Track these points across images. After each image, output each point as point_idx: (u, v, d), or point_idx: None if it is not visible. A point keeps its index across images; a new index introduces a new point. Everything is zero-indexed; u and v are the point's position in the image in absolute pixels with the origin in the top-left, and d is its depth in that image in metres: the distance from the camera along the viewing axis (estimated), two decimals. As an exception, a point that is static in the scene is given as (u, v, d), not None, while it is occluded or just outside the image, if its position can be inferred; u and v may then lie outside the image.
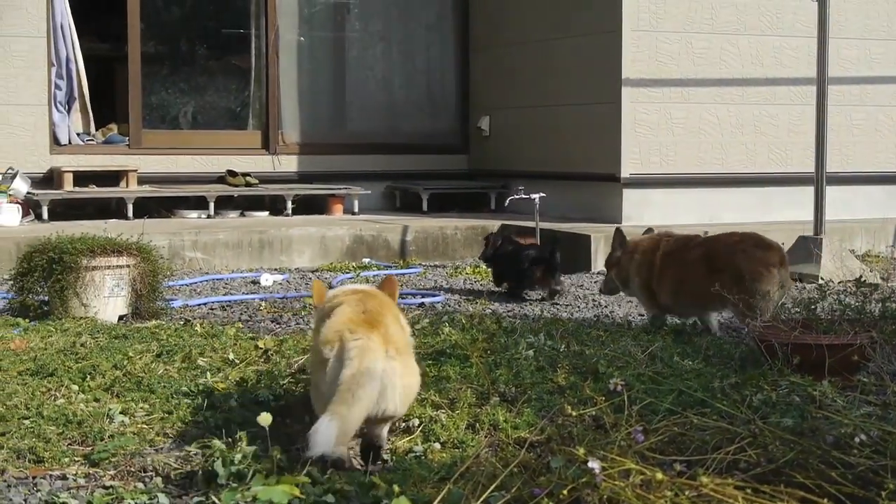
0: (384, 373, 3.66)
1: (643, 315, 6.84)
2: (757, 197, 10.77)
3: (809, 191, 8.99)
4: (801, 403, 4.21)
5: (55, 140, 10.89)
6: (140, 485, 3.65)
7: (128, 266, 6.49)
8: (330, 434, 3.48)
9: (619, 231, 6.44)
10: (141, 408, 4.45)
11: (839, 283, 8.30)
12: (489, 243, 8.13)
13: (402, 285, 8.30)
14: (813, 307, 5.36)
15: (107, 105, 12.27)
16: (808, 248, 8.69)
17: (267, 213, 11.06)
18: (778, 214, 10.69)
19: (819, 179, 8.74)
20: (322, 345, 3.76)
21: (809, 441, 3.21)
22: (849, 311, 5.37)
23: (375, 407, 3.65)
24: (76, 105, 11.11)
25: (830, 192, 9.08)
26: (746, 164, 10.76)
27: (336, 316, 3.82)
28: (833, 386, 4.58)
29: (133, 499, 3.50)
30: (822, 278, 8.41)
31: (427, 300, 7.43)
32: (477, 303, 7.39)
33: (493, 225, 10.14)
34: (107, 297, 6.42)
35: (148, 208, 10.62)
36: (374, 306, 3.89)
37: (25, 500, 3.50)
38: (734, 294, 5.57)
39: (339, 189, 11.25)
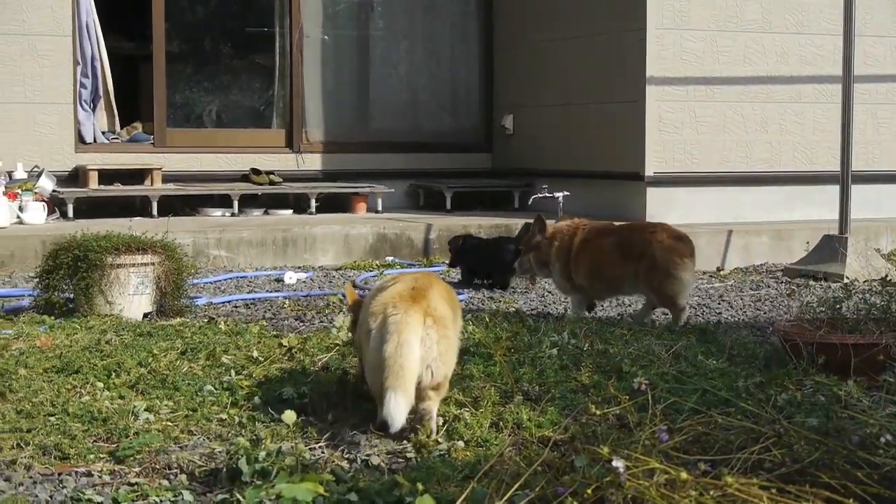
0: (422, 342, 4.01)
1: (667, 314, 6.83)
2: (781, 196, 10.72)
3: (834, 189, 8.96)
4: (826, 403, 4.19)
5: (80, 138, 10.93)
6: (164, 482, 3.66)
7: (152, 264, 6.51)
8: (400, 408, 3.88)
9: (539, 217, 6.77)
10: (165, 405, 4.46)
11: (864, 282, 8.28)
12: (453, 249, 8.40)
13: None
14: (838, 307, 5.35)
15: (131, 103, 12.31)
16: (833, 247, 8.66)
17: (291, 211, 11.07)
18: (802, 213, 10.65)
19: (844, 178, 8.70)
20: (368, 316, 4.11)
21: (835, 441, 3.20)
22: (874, 310, 5.35)
23: (420, 375, 4.01)
24: (101, 103, 11.15)
25: (856, 190, 9.04)
26: (771, 162, 10.72)
27: (386, 291, 4.20)
28: (858, 386, 4.56)
29: (157, 496, 3.51)
30: (847, 277, 8.37)
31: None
32: (500, 301, 7.39)
33: (517, 223, 10.12)
34: (131, 294, 6.44)
35: (172, 206, 10.64)
36: (423, 283, 4.24)
37: (51, 497, 3.52)
38: (649, 280, 6.22)
39: (363, 187, 11.26)
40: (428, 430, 4.07)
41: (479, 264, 8.28)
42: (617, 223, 6.95)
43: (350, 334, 4.88)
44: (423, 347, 4.02)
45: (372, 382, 4.10)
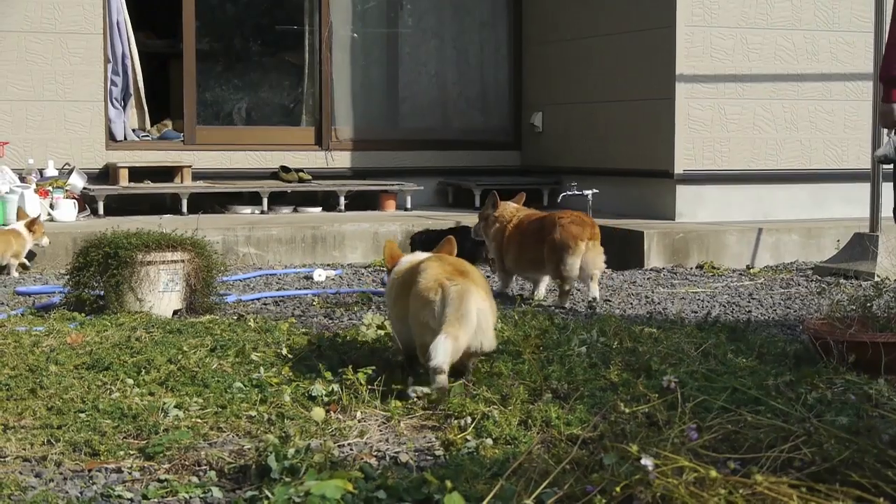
0: (479, 311, 4.55)
1: (696, 312, 6.82)
2: (811, 193, 10.68)
3: (865, 187, 8.91)
4: (856, 402, 4.18)
5: (111, 136, 10.98)
6: (194, 478, 3.67)
7: (182, 261, 6.54)
8: (447, 348, 4.42)
9: (493, 194, 7.54)
10: (195, 402, 4.48)
11: (895, 280, 8.24)
12: (415, 242, 8.64)
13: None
14: (869, 305, 5.32)
15: (162, 101, 12.38)
16: (864, 245, 8.62)
17: (320, 208, 11.10)
18: (833, 211, 10.59)
19: (875, 175, 8.66)
20: (425, 291, 4.57)
21: (865, 440, 3.19)
22: (905, 309, 5.32)
23: (474, 338, 4.55)
24: (132, 101, 11.20)
25: (886, 188, 8.98)
26: (801, 160, 10.67)
27: (430, 269, 4.67)
28: (889, 384, 4.55)
29: (187, 492, 3.53)
30: (878, 276, 8.33)
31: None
32: (529, 299, 7.38)
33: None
34: (161, 291, 6.47)
35: (202, 204, 10.68)
36: (456, 261, 4.80)
37: (81, 493, 3.54)
38: (550, 260, 6.94)
39: (392, 185, 11.27)
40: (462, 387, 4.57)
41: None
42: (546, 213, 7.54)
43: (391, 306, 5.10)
44: (476, 317, 4.55)
45: (422, 343, 4.56)
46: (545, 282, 7.39)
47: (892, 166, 6.19)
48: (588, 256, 7.00)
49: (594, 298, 7.04)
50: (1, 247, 8.26)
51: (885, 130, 6.08)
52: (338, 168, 11.73)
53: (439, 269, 4.65)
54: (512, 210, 7.43)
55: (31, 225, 8.42)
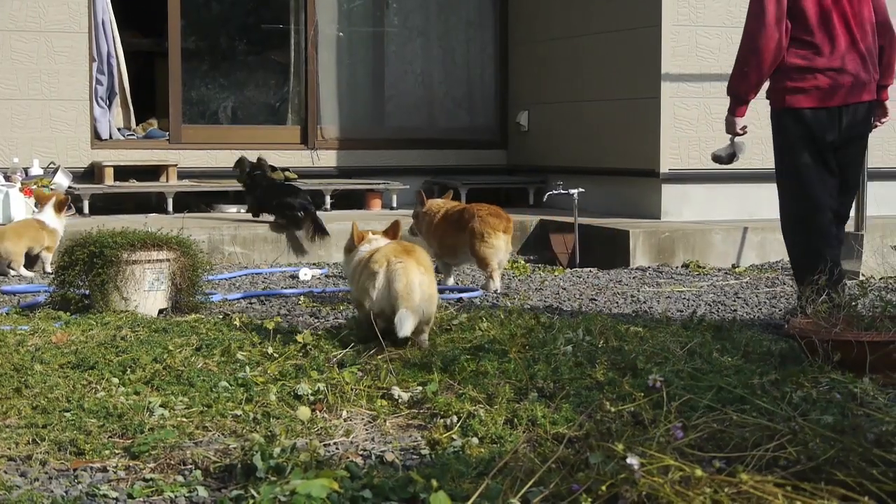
0: (421, 283, 5.19)
1: (682, 311, 6.83)
2: (797, 193, 10.69)
3: (850, 187, 8.93)
4: (841, 401, 4.19)
5: (96, 135, 10.96)
6: (179, 477, 3.67)
7: (168, 260, 6.53)
8: (412, 320, 5.11)
9: (420, 192, 8.33)
10: (180, 401, 4.47)
11: (880, 279, 8.27)
12: (242, 168, 9.32)
13: (438, 282, 8.32)
14: (854, 304, 5.33)
15: (147, 100, 12.35)
16: (849, 244, 8.63)
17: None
18: (818, 210, 10.60)
19: (861, 175, 8.66)
20: (373, 264, 5.27)
21: (850, 439, 3.19)
22: (890, 307, 5.34)
23: (420, 307, 5.18)
24: (117, 100, 11.17)
25: (872, 187, 9.02)
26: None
27: (383, 248, 5.42)
28: (874, 383, 4.56)
29: (172, 491, 3.52)
30: (863, 275, 8.35)
31: (465, 295, 7.43)
32: (515, 298, 7.39)
33: (532, 220, 10.14)
34: (147, 290, 6.45)
35: (187, 203, 10.67)
36: (409, 245, 5.52)
37: (66, 492, 3.53)
38: (470, 246, 7.60)
39: (378, 184, 11.26)
40: (424, 348, 5.24)
41: (270, 204, 8.99)
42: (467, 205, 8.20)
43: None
44: (419, 289, 5.20)
45: (381, 309, 5.22)
46: (455, 270, 8.19)
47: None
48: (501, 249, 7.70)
49: (496, 290, 7.64)
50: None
51: (729, 136, 6.43)
52: (324, 167, 11.72)
53: (390, 247, 5.44)
54: (439, 204, 8.10)
55: (60, 208, 8.45)
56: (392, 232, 5.82)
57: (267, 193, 9.21)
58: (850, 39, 6.10)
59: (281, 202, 8.77)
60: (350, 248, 5.79)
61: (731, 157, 6.44)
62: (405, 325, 5.08)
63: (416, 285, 5.15)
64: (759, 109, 10.47)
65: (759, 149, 10.59)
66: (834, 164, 6.21)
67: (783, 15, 6.03)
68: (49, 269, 8.11)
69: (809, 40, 6.08)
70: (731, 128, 6.36)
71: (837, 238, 6.32)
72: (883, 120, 6.45)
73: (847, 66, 6.09)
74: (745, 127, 6.35)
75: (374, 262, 5.29)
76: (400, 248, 5.40)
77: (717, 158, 6.50)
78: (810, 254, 6.20)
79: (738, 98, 6.25)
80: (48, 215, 8.40)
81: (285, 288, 7.86)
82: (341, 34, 12.20)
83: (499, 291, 7.63)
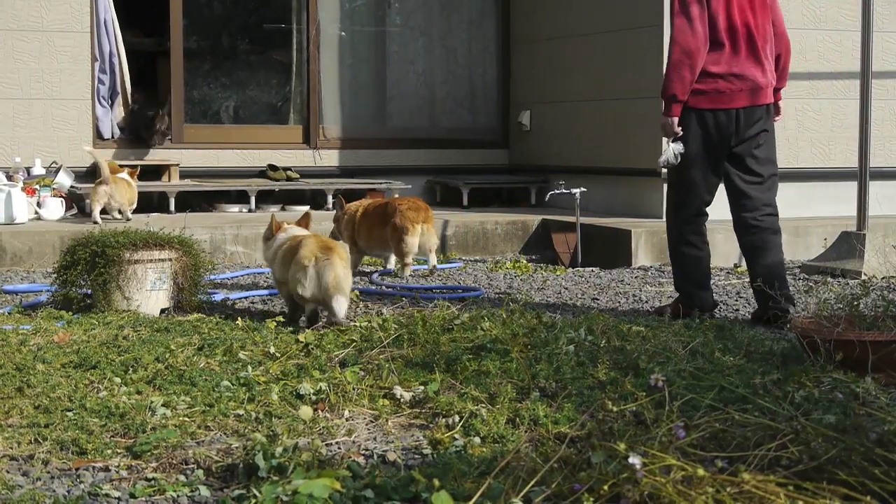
0: (345, 276, 6.09)
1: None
2: (798, 192, 10.69)
3: (852, 186, 8.93)
4: (843, 400, 4.18)
5: (98, 134, 10.96)
6: (182, 477, 3.67)
7: (170, 260, 6.53)
8: (346, 307, 6.09)
9: (339, 198, 8.91)
10: (182, 400, 4.47)
11: (882, 279, 8.27)
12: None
13: (442, 280, 8.32)
14: (856, 303, 5.33)
15: (149, 100, 12.33)
16: (851, 243, 8.64)
17: (308, 207, 11.07)
18: (820, 210, 10.61)
19: (863, 174, 8.67)
20: (303, 259, 6.08)
21: (852, 438, 3.19)
22: (892, 307, 5.33)
23: (347, 293, 6.14)
24: (119, 100, 11.17)
25: (874, 187, 9.01)
26: (789, 159, 10.68)
27: (308, 244, 6.19)
28: (876, 383, 4.56)
29: (175, 491, 3.52)
30: (865, 274, 8.35)
31: (467, 295, 7.43)
32: (517, 298, 7.39)
33: (534, 220, 10.14)
34: (149, 290, 6.46)
35: (189, 202, 10.67)
36: (330, 241, 6.42)
37: (68, 492, 3.53)
38: (393, 239, 8.39)
39: (380, 183, 11.26)
40: (342, 322, 5.99)
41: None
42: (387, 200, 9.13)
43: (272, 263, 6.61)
44: (345, 279, 6.10)
45: (312, 297, 6.07)
46: (393, 258, 8.72)
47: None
48: (424, 238, 8.43)
49: (434, 266, 8.61)
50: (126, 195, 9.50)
51: (665, 139, 6.70)
52: (326, 167, 11.72)
53: (315, 245, 6.19)
54: (355, 205, 8.79)
55: (133, 174, 9.65)
56: (304, 222, 6.67)
57: None
58: (752, 48, 6.53)
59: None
60: (268, 237, 6.60)
61: (677, 157, 6.61)
62: (342, 310, 6.04)
63: (343, 277, 6.06)
64: (761, 109, 10.50)
65: (761, 148, 10.58)
66: (723, 165, 6.63)
67: (706, 19, 6.42)
68: (130, 216, 9.64)
69: (716, 47, 6.46)
70: (669, 129, 6.58)
71: (703, 231, 6.81)
72: (776, 118, 6.83)
73: (746, 72, 6.51)
74: (681, 127, 6.56)
75: (303, 258, 6.10)
76: (323, 244, 6.24)
77: (666, 164, 6.68)
78: (679, 239, 6.75)
79: (675, 99, 6.48)
80: (129, 178, 9.73)
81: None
82: (343, 34, 12.20)
83: (436, 268, 8.65)
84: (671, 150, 6.60)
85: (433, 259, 8.59)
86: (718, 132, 6.53)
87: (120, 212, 9.58)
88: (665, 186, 10.11)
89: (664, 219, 9.70)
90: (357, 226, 8.60)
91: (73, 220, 9.76)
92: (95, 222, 9.14)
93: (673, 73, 6.45)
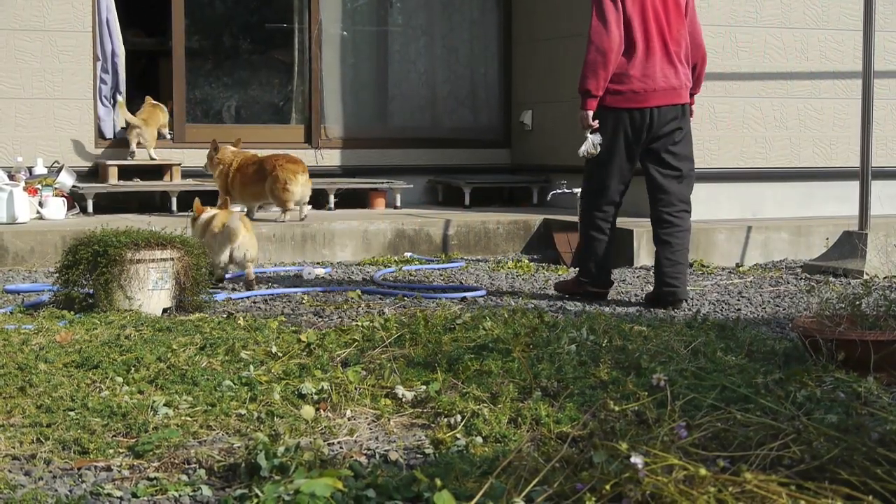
0: (249, 239, 7.50)
1: (686, 310, 6.82)
2: (800, 191, 10.70)
3: (854, 185, 8.93)
4: (845, 400, 4.18)
5: (100, 134, 10.97)
6: (184, 476, 3.67)
7: (172, 259, 6.53)
8: (252, 266, 7.59)
9: (213, 140, 10.02)
10: (184, 400, 4.47)
11: (884, 278, 8.27)
12: None
13: (444, 280, 8.32)
14: (858, 303, 5.33)
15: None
16: (852, 243, 8.64)
17: (309, 206, 11.08)
18: (821, 209, 10.62)
19: (864, 174, 8.67)
20: (214, 228, 7.42)
21: (854, 438, 3.19)
22: (894, 307, 5.33)
23: (253, 256, 7.62)
24: (118, 100, 11.17)
25: (875, 186, 9.01)
26: (790, 158, 10.69)
27: (219, 216, 7.52)
28: (878, 382, 4.56)
29: (177, 490, 3.53)
30: (867, 274, 8.35)
31: (469, 294, 7.43)
32: (519, 297, 7.39)
33: (536, 219, 10.14)
34: (151, 290, 6.46)
35: (192, 202, 10.65)
36: (235, 213, 7.72)
37: (70, 491, 3.53)
38: (274, 190, 9.52)
39: (382, 183, 11.26)
40: (251, 275, 7.63)
41: None
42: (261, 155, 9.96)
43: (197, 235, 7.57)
44: (250, 243, 7.50)
45: (221, 261, 7.45)
46: (258, 208, 10.08)
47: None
48: (304, 188, 9.61)
49: (305, 216, 9.71)
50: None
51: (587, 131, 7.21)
52: (327, 166, 11.72)
53: (223, 217, 7.49)
54: (231, 153, 9.81)
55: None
56: (223, 206, 7.87)
57: None
58: (665, 51, 7.03)
59: None
60: (194, 219, 7.76)
61: (596, 147, 7.16)
62: (249, 270, 7.58)
63: (249, 242, 7.45)
64: (764, 111, 10.52)
65: (761, 148, 10.61)
66: (636, 158, 7.18)
67: (621, 21, 6.94)
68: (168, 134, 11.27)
69: (630, 49, 6.99)
70: (585, 122, 7.13)
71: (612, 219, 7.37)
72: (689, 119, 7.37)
73: (660, 73, 7.02)
74: (596, 120, 7.10)
75: (214, 227, 7.42)
76: (229, 216, 7.51)
77: (585, 153, 7.21)
78: (589, 222, 7.30)
79: (590, 94, 7.04)
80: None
81: (289, 287, 7.86)
82: (345, 33, 12.20)
83: (307, 218, 9.74)
84: (590, 140, 7.13)
85: (305, 210, 9.84)
86: (633, 129, 7.06)
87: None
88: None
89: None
90: (231, 178, 9.65)
91: (74, 220, 9.76)
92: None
93: (588, 70, 7.01)
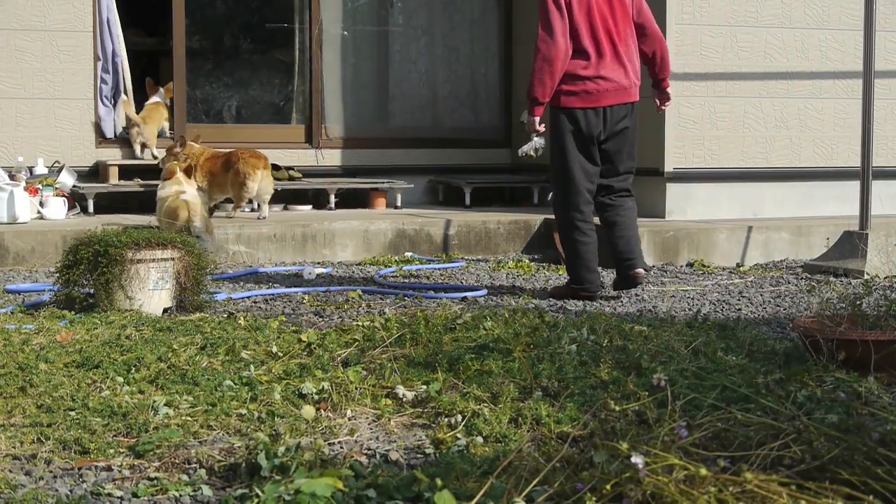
0: (196, 204, 8.52)
1: (686, 310, 6.82)
2: (800, 191, 10.70)
3: (854, 185, 8.93)
4: (846, 400, 4.18)
5: (101, 134, 10.96)
6: (184, 476, 3.67)
7: (172, 259, 6.53)
8: (203, 226, 8.43)
9: (182, 136, 10.12)
10: (185, 400, 4.47)
11: (885, 278, 8.27)
12: None
13: (445, 280, 8.32)
14: (858, 303, 5.33)
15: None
16: (853, 243, 8.64)
17: (310, 206, 11.09)
18: (822, 209, 10.62)
19: (865, 174, 8.67)
20: (167, 200, 8.57)
21: (855, 438, 3.19)
22: (895, 307, 5.33)
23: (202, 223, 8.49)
24: (122, 99, 11.17)
25: (876, 186, 9.01)
26: (791, 158, 10.69)
27: (171, 190, 8.64)
28: (879, 382, 4.56)
29: (177, 490, 3.53)
30: (867, 274, 8.35)
31: (470, 294, 7.43)
32: (520, 297, 7.39)
33: (536, 219, 10.14)
34: (151, 289, 6.46)
35: (192, 202, 10.66)
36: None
37: (71, 491, 3.53)
38: (235, 185, 9.73)
39: (382, 183, 11.26)
40: (210, 230, 8.67)
41: None
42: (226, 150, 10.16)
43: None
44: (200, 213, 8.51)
45: (184, 225, 8.24)
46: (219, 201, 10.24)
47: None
48: (262, 183, 9.77)
49: (265, 217, 9.80)
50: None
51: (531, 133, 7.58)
52: (328, 166, 11.72)
53: (177, 190, 8.62)
54: (198, 150, 9.97)
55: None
56: (187, 173, 9.01)
57: None
58: (614, 52, 7.29)
59: None
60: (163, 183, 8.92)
61: (537, 150, 7.66)
62: (199, 233, 8.26)
63: (198, 212, 8.52)
64: (764, 110, 10.52)
65: (762, 148, 10.61)
66: (597, 155, 7.38)
67: (566, 30, 7.21)
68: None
69: (581, 52, 7.24)
70: (532, 126, 7.46)
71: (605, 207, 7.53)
72: (667, 104, 7.83)
73: (610, 74, 7.28)
74: (542, 124, 7.45)
75: (171, 200, 8.53)
76: (183, 190, 8.64)
77: (524, 154, 7.72)
78: (568, 227, 7.41)
79: (537, 101, 7.30)
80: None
81: (289, 287, 7.86)
82: (345, 33, 12.20)
83: (266, 217, 9.84)
84: (534, 142, 7.59)
85: (265, 209, 9.94)
86: (588, 127, 7.31)
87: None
88: (668, 186, 10.19)
89: (665, 218, 9.75)
90: (199, 171, 9.82)
91: (75, 220, 9.76)
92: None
93: (535, 78, 7.24)
